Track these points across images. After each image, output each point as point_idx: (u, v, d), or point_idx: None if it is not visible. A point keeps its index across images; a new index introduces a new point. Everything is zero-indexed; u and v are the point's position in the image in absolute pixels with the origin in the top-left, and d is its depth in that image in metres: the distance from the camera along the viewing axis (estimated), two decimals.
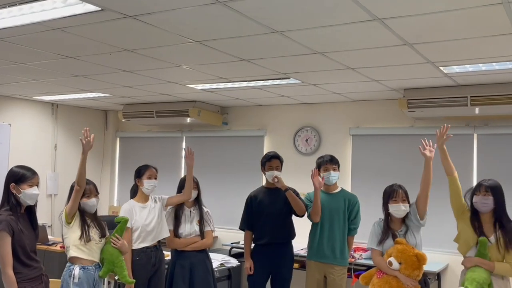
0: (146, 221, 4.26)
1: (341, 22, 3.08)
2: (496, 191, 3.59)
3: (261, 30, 3.28)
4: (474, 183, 5.31)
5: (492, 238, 3.54)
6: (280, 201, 4.61)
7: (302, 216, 4.61)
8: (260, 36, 3.42)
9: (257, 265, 4.65)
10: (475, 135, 5.48)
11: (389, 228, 3.84)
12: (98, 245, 3.73)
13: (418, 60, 3.94)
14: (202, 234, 4.47)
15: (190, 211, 4.50)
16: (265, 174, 4.66)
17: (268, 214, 4.59)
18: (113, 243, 3.75)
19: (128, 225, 4.15)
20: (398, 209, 3.79)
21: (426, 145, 3.75)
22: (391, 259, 3.64)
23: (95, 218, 3.79)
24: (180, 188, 4.53)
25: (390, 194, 3.84)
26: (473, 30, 3.18)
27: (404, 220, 3.86)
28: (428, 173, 3.75)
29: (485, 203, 3.57)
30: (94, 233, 3.70)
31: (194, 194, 4.48)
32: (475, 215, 3.66)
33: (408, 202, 3.84)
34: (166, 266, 4.52)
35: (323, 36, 3.40)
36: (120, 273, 3.77)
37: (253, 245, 4.81)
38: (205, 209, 4.58)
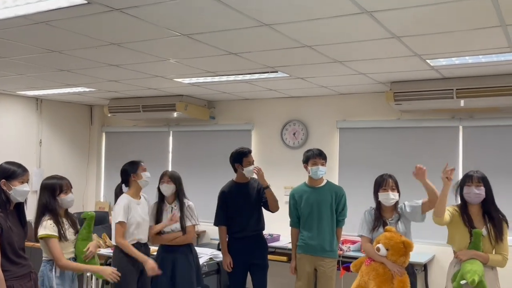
0: (141, 217, 4.25)
1: (330, 15, 3.07)
2: (486, 182, 3.64)
3: (250, 23, 3.26)
4: (460, 174, 5.39)
5: (483, 230, 3.57)
6: (252, 195, 4.70)
7: (274, 212, 4.70)
8: (249, 30, 3.40)
9: (235, 259, 4.69)
10: (461, 127, 5.54)
11: (380, 216, 3.94)
12: (73, 243, 3.69)
13: (405, 53, 3.96)
14: (183, 229, 4.44)
15: (171, 208, 4.48)
16: (241, 169, 4.66)
17: (241, 208, 4.65)
18: (85, 258, 3.69)
19: (124, 219, 4.12)
20: (387, 198, 3.91)
21: (419, 170, 3.72)
22: (379, 245, 3.74)
23: (67, 216, 3.71)
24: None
25: (380, 183, 3.98)
26: (460, 23, 3.20)
27: (395, 208, 3.96)
28: (430, 190, 3.77)
29: (478, 193, 3.59)
30: (69, 233, 3.63)
31: (168, 188, 4.44)
32: (464, 208, 3.67)
33: (398, 191, 3.95)
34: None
35: (312, 30, 3.39)
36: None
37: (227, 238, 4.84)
38: (186, 203, 4.51)
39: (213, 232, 6.74)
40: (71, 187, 3.72)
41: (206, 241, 6.78)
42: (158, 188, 4.52)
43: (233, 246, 4.72)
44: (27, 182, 3.25)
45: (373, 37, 3.53)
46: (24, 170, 3.26)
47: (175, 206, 4.48)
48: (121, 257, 4.13)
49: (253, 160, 4.70)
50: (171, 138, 7.44)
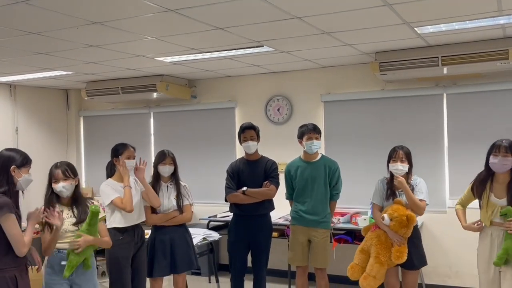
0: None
1: None
2: None
3: None
4: (445, 140, 5.53)
5: (504, 201, 3.60)
6: (259, 173, 4.66)
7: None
8: (241, 2, 3.31)
9: (236, 237, 4.68)
10: (445, 95, 5.59)
11: (392, 186, 4.18)
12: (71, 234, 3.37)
13: (394, 21, 3.93)
14: (180, 208, 4.37)
15: (167, 186, 4.40)
16: (241, 145, 4.72)
17: (246, 185, 4.60)
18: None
19: (119, 194, 4.04)
20: (396, 168, 4.13)
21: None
22: (385, 215, 4.11)
23: (74, 205, 3.41)
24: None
25: (391, 155, 4.20)
26: None
27: (406, 180, 4.12)
28: (409, 200, 4.10)
29: (505, 164, 3.58)
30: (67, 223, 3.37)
31: (170, 169, 4.38)
32: (485, 176, 3.71)
33: (409, 163, 4.16)
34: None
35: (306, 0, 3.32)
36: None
37: (231, 215, 4.82)
38: (182, 183, 4.48)
39: (200, 212, 6.70)
40: (66, 177, 3.38)
41: (195, 221, 6.69)
42: (155, 168, 4.40)
43: (236, 223, 4.71)
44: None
45: (366, 5, 3.47)
46: (30, 159, 3.14)
47: (170, 185, 4.41)
48: (113, 241, 4.03)
49: (252, 136, 4.61)
50: (152, 119, 7.30)
